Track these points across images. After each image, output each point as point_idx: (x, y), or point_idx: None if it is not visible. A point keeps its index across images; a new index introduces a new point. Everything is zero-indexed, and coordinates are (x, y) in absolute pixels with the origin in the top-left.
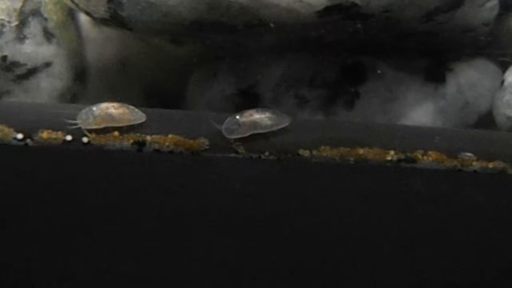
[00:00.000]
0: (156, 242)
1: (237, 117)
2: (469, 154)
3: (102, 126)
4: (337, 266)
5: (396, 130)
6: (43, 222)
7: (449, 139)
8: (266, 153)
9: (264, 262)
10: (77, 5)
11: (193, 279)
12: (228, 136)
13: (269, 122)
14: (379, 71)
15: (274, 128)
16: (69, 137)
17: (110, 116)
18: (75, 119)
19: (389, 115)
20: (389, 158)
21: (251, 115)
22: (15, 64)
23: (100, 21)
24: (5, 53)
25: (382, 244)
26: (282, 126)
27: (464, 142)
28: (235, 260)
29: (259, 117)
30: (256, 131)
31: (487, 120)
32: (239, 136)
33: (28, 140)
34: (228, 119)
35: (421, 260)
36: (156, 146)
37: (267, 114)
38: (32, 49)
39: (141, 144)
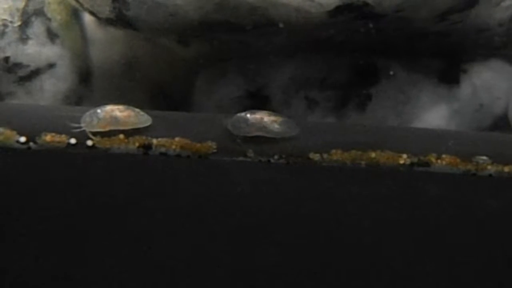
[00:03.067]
0: (162, 246)
1: (248, 115)
2: (484, 157)
3: (107, 129)
4: (347, 271)
5: (409, 133)
6: (46, 226)
7: (464, 142)
8: (276, 157)
9: (272, 266)
10: (81, 4)
11: (199, 281)
12: (234, 133)
13: (277, 129)
14: (391, 72)
15: (280, 136)
16: (73, 140)
17: (115, 119)
18: (79, 122)
19: (401, 117)
20: (401, 161)
21: (262, 117)
22: (18, 66)
23: (105, 21)
24: (8, 54)
25: (394, 249)
26: (289, 135)
27: (479, 145)
28: (243, 263)
29: (269, 120)
30: (262, 134)
31: (502, 122)
32: (245, 134)
33: (31, 143)
34: (238, 115)
35: (435, 264)
36: (163, 150)
37: (278, 120)
38: (35, 50)
39: (147, 148)
